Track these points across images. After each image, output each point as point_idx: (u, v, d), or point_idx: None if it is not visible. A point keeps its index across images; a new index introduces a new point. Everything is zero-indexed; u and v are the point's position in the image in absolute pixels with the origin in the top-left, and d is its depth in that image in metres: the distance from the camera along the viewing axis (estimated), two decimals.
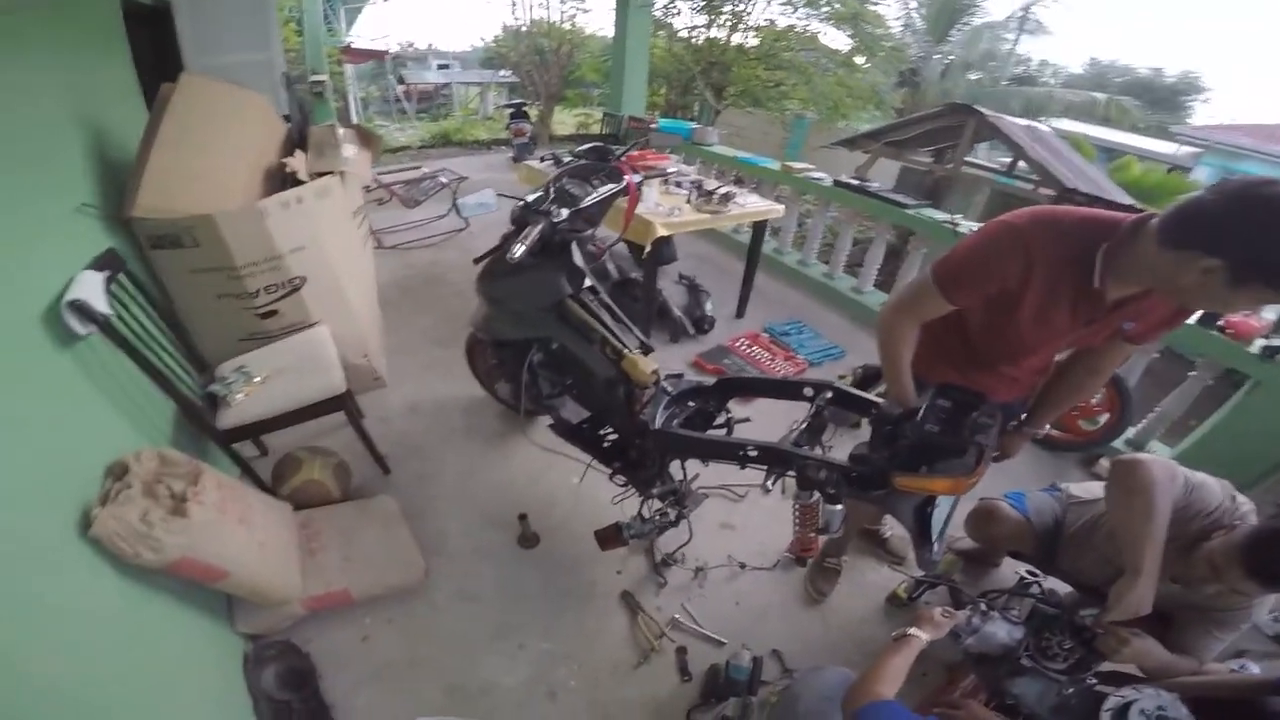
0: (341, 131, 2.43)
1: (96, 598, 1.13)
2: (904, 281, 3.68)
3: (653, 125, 4.83)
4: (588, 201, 1.74)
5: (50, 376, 1.27)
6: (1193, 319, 2.48)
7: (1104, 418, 2.73)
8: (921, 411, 1.27)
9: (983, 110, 4.70)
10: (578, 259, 1.80)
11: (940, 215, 3.36)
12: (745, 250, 3.66)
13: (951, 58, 9.62)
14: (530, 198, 1.69)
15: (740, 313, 3.84)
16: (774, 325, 3.70)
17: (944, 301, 1.25)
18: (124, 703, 1.11)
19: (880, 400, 1.47)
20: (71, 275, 1.39)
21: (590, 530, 1.91)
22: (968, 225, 3.21)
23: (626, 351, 1.70)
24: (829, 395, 1.55)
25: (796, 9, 8.13)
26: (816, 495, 1.53)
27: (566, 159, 3.72)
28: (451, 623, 1.82)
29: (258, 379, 1.86)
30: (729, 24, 8.47)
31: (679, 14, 8.82)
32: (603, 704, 1.67)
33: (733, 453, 1.54)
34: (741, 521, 2.28)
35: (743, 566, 2.07)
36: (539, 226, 1.55)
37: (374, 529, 1.90)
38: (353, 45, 9.47)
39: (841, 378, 3.22)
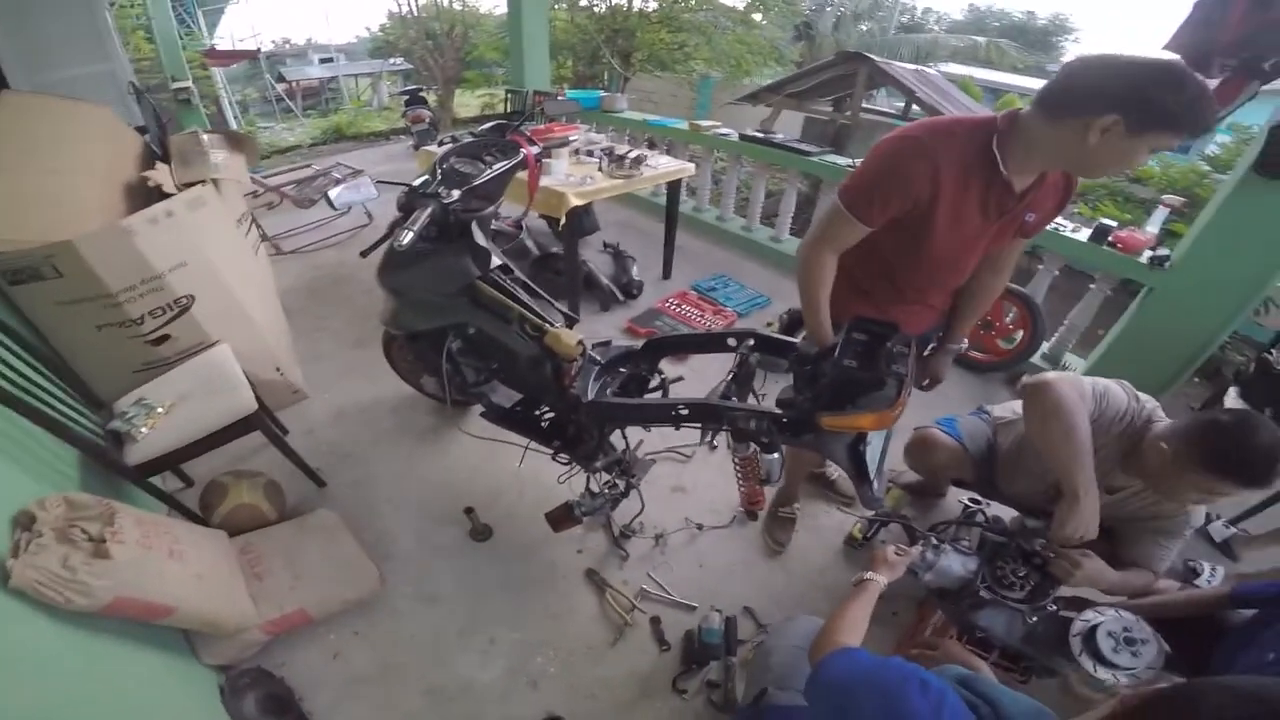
0: (207, 138, 2.23)
1: (41, 649, 1.04)
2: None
3: (559, 97, 4.69)
4: (480, 179, 1.67)
5: None
6: (1084, 237, 2.66)
7: (1019, 335, 2.91)
8: (838, 348, 1.27)
9: (873, 58, 4.85)
10: (480, 239, 1.73)
11: (843, 160, 3.46)
12: (651, 208, 3.66)
13: (842, 10, 9.83)
14: (416, 182, 1.60)
15: (666, 274, 3.85)
16: (700, 282, 3.74)
17: (857, 224, 1.26)
18: None
19: (799, 342, 1.49)
20: None
21: (541, 514, 1.87)
22: None
23: (548, 326, 1.66)
24: (751, 343, 1.56)
25: None
26: (753, 447, 1.54)
27: (467, 139, 3.57)
28: (417, 626, 1.77)
29: (160, 410, 1.70)
30: None
31: None
32: (586, 685, 1.65)
33: (665, 414, 1.53)
34: (692, 482, 2.29)
35: (700, 528, 2.09)
36: (428, 209, 1.47)
37: (317, 543, 1.80)
38: (216, 47, 8.75)
39: (769, 325, 3.29)
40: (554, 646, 1.74)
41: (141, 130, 2.31)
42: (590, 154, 3.31)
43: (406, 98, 6.79)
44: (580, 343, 1.63)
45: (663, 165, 3.25)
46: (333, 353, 2.98)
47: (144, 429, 1.64)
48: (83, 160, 1.83)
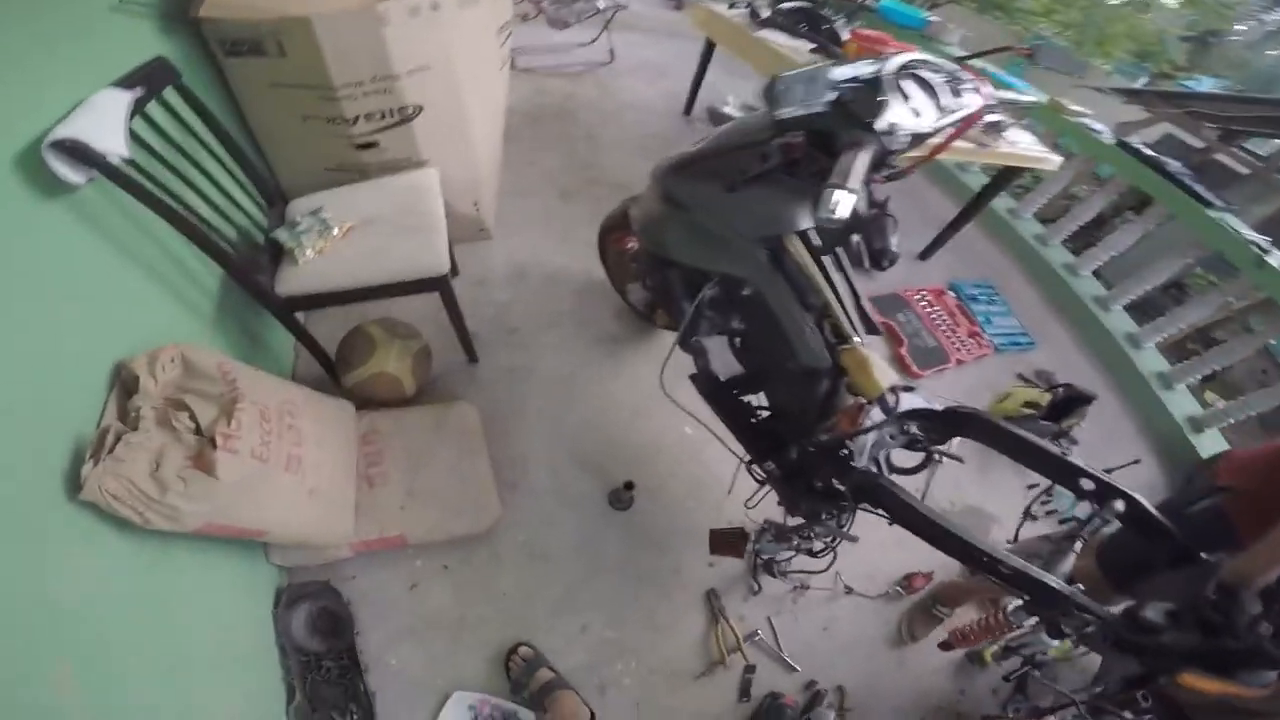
0: None
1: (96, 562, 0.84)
2: (1140, 281, 2.81)
3: (870, 1, 3.69)
4: (935, 124, 1.04)
5: (37, 243, 0.88)
6: None
7: None
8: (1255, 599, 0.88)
9: None
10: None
11: (1247, 231, 2.39)
12: (947, 177, 2.79)
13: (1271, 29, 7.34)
14: (847, 77, 0.99)
15: (925, 254, 3.06)
16: (962, 284, 2.94)
17: None
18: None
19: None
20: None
21: (697, 503, 1.69)
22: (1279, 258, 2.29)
23: (855, 340, 1.17)
24: (1121, 509, 1.05)
25: None
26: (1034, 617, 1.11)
27: (765, 12, 2.87)
28: (514, 583, 1.54)
29: (336, 231, 1.42)
30: None
31: None
32: (649, 708, 1.46)
33: (974, 557, 1.06)
34: (864, 535, 1.82)
35: (849, 591, 1.75)
36: (869, 152, 0.89)
37: (448, 454, 1.54)
38: None
39: (1022, 380, 2.59)
40: (640, 659, 1.51)
41: None
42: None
43: None
44: (893, 387, 1.14)
45: (1023, 144, 2.38)
46: (536, 194, 2.68)
47: (310, 251, 1.37)
48: None
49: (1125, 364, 2.78)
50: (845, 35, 2.68)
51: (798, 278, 1.19)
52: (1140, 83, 7.36)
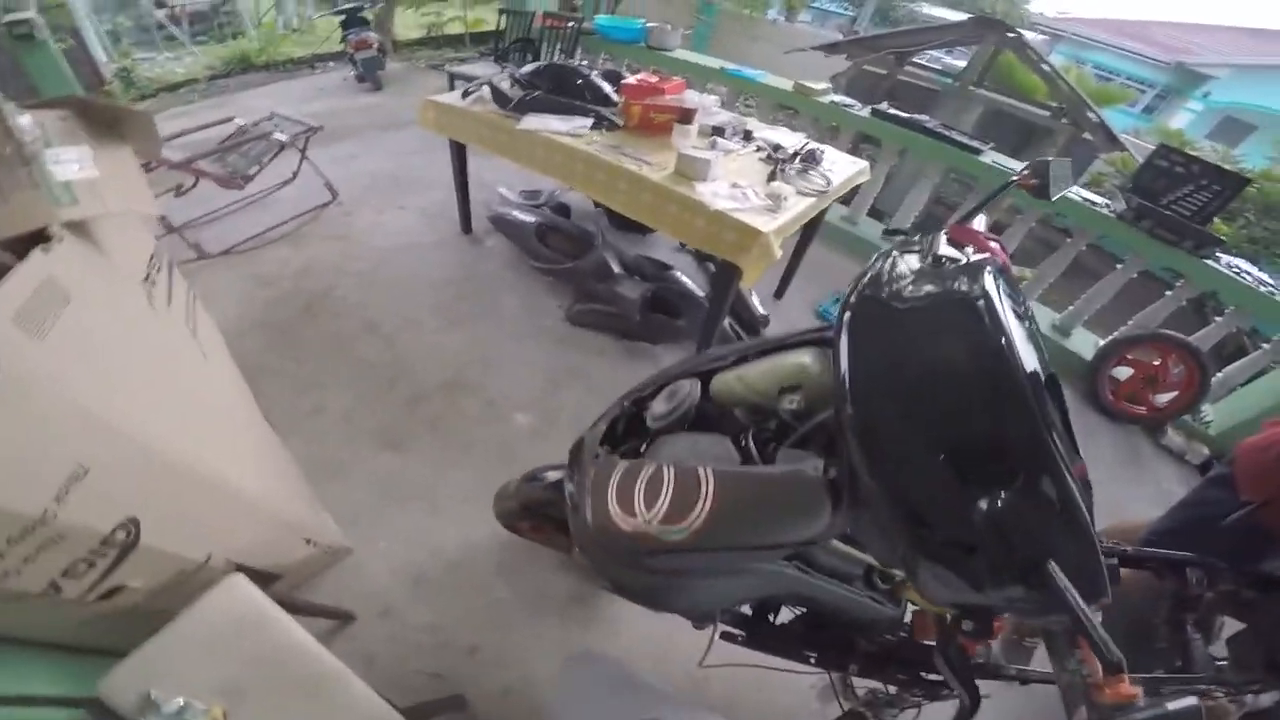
0: (25, 121, 0.80)
1: None
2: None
3: (586, 24, 3.45)
4: None
5: None
6: None
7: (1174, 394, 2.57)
8: None
9: (1017, 30, 4.23)
10: None
11: (1009, 162, 2.67)
12: None
13: None
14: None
15: (780, 293, 2.91)
16: (825, 307, 2.86)
17: None
18: None
19: None
20: None
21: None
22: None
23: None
24: None
25: None
26: None
27: (506, 85, 2.39)
28: None
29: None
30: None
31: None
32: None
33: None
34: None
35: None
36: None
37: None
38: None
39: None
40: None
41: None
42: (721, 134, 2.20)
43: (343, 18, 5.25)
44: None
45: (841, 166, 2.20)
46: (354, 458, 1.89)
47: None
48: None
49: None
50: (611, 91, 2.34)
51: (836, 564, 0.92)
52: (773, 12, 8.35)
